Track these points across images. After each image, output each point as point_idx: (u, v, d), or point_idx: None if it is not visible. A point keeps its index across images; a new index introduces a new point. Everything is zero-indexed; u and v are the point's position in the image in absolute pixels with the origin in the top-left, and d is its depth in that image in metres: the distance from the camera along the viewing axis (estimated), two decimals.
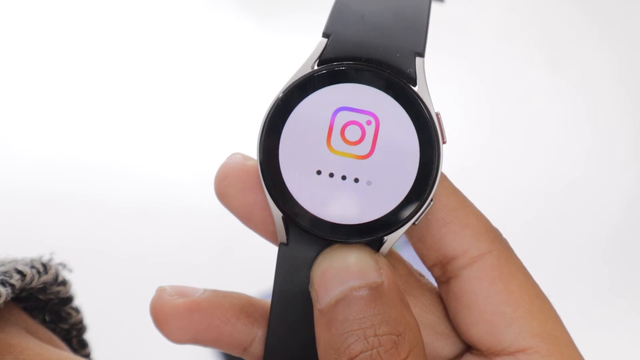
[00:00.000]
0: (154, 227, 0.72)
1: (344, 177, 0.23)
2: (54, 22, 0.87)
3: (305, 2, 0.87)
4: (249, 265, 0.61)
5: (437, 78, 0.27)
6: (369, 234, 0.23)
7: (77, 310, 0.30)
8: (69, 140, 0.79)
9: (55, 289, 0.28)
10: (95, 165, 0.76)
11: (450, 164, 0.25)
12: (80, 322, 0.30)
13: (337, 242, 0.23)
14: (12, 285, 0.25)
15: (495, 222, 0.25)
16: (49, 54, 0.85)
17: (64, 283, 0.29)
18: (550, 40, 0.90)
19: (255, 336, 0.25)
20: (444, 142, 0.23)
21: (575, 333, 0.24)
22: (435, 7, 0.24)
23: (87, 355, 0.31)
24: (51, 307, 0.29)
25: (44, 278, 0.27)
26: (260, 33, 0.88)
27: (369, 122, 0.23)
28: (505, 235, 0.25)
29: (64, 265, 0.29)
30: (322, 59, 0.23)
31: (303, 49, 0.25)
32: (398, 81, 0.23)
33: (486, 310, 0.24)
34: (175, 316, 0.24)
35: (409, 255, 0.26)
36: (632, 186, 0.79)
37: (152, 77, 0.84)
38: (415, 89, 0.23)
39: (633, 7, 0.92)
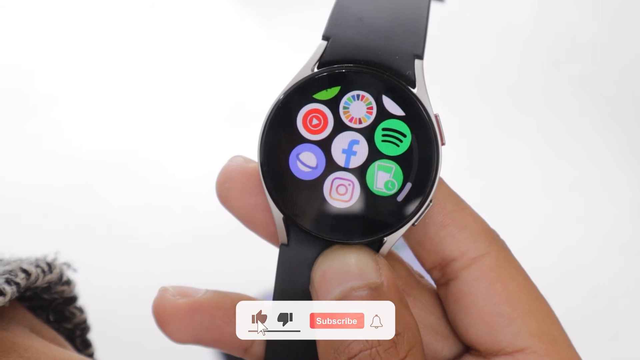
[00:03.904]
0: (156, 228, 0.72)
1: None
2: (53, 22, 0.87)
3: (306, 2, 0.87)
4: (250, 266, 0.61)
5: (436, 79, 0.27)
6: (369, 235, 0.23)
7: (80, 310, 0.30)
8: (71, 139, 0.79)
9: (60, 288, 0.29)
10: (98, 165, 0.77)
11: (447, 166, 0.25)
12: (84, 321, 0.30)
13: (337, 242, 0.23)
14: (17, 284, 0.25)
15: (493, 224, 0.25)
16: (48, 54, 0.85)
17: (68, 282, 0.29)
18: (551, 39, 0.89)
19: None
20: (442, 144, 0.23)
21: (572, 333, 0.25)
22: (434, 7, 0.24)
23: (91, 355, 0.31)
24: (55, 307, 0.29)
25: (49, 277, 0.27)
26: (262, 33, 0.88)
27: None
28: (502, 237, 0.25)
29: (68, 265, 0.29)
30: (322, 62, 0.23)
31: (305, 49, 0.25)
32: (397, 83, 0.23)
33: (485, 311, 0.24)
34: (177, 316, 0.24)
35: (409, 257, 0.26)
36: (635, 186, 0.79)
37: (153, 76, 0.84)
38: (414, 91, 0.23)
39: (633, 5, 0.92)
